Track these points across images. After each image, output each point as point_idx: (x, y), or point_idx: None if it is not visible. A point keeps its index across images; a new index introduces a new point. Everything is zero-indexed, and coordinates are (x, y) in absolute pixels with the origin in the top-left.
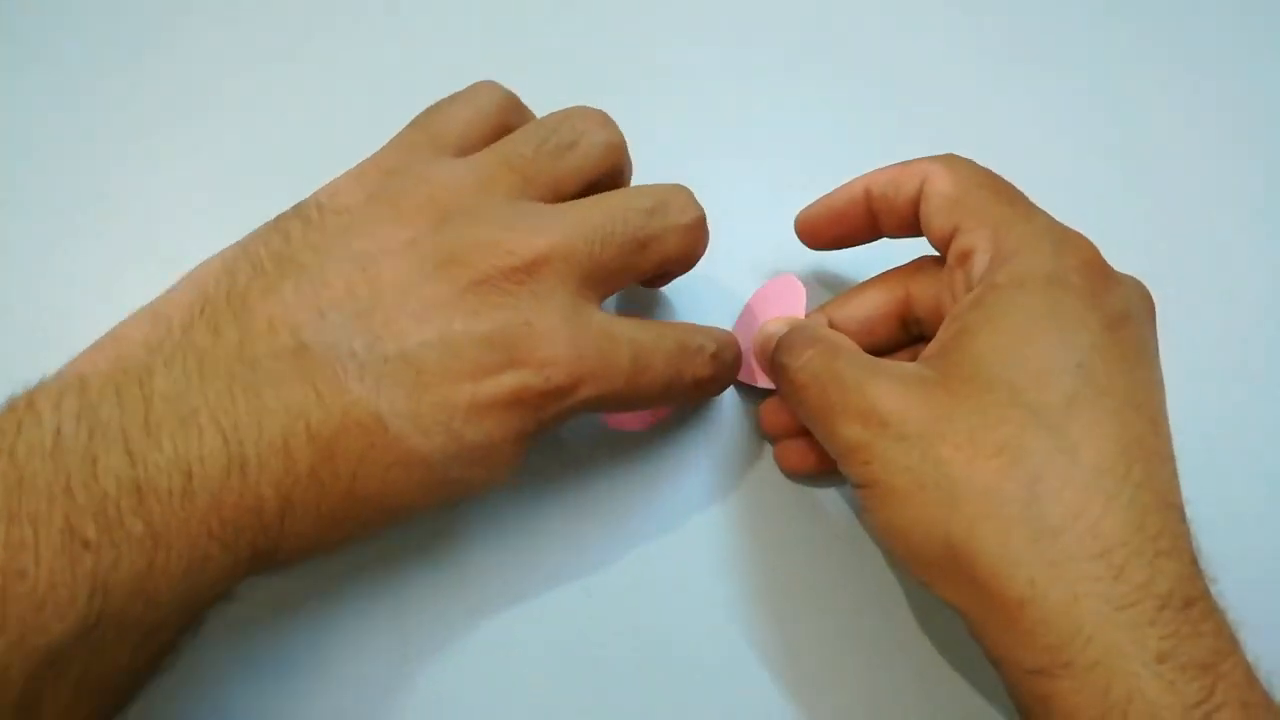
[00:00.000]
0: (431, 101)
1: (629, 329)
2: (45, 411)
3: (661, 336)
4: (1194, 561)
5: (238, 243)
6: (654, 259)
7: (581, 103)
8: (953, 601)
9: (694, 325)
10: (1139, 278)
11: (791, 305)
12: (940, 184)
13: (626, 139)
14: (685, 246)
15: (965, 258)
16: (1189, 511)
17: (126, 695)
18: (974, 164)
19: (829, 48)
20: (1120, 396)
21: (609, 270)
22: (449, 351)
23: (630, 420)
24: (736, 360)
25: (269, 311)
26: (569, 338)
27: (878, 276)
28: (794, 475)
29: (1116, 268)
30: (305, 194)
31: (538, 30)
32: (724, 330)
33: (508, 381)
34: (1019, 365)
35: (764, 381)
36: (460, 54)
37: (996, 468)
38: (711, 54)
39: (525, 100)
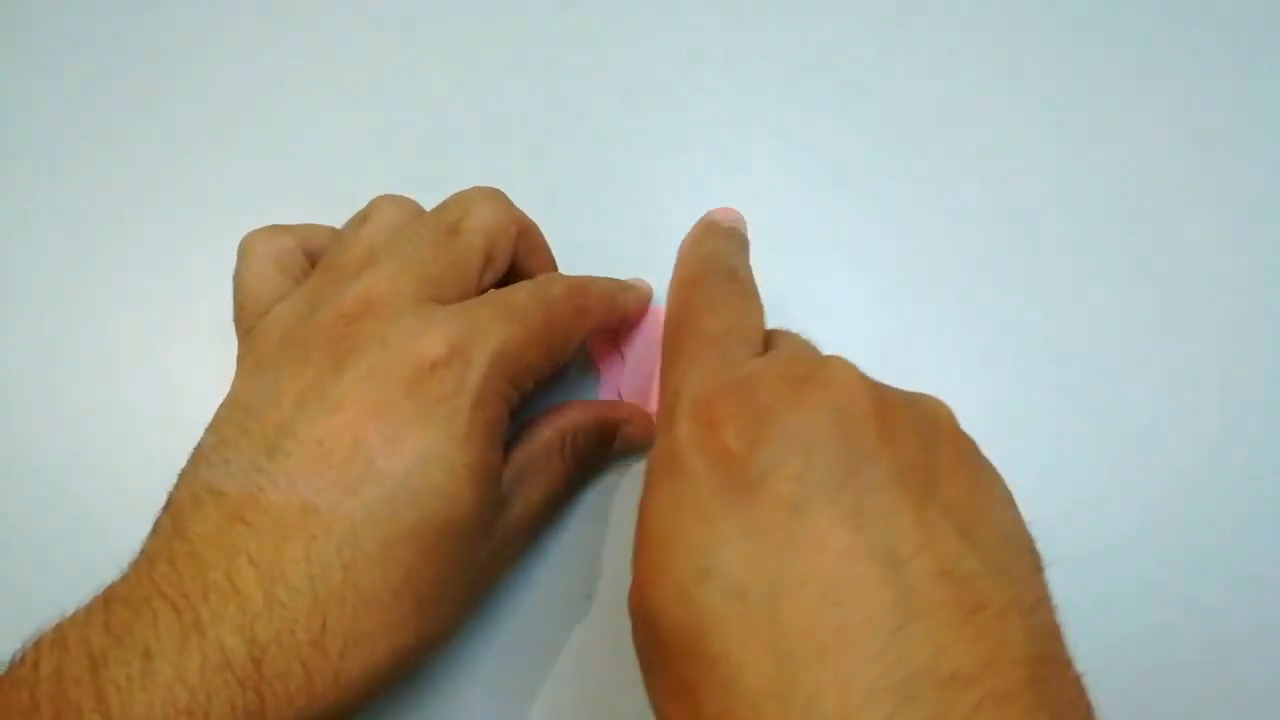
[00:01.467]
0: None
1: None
2: (28, 651)
3: (517, 285)
4: None
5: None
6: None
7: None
8: None
9: None
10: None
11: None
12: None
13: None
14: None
15: None
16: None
17: None
18: (682, 292)
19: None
20: (767, 585)
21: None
22: (332, 407)
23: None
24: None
25: (190, 490)
26: (419, 321)
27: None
28: None
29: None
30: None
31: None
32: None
33: (396, 391)
34: (661, 585)
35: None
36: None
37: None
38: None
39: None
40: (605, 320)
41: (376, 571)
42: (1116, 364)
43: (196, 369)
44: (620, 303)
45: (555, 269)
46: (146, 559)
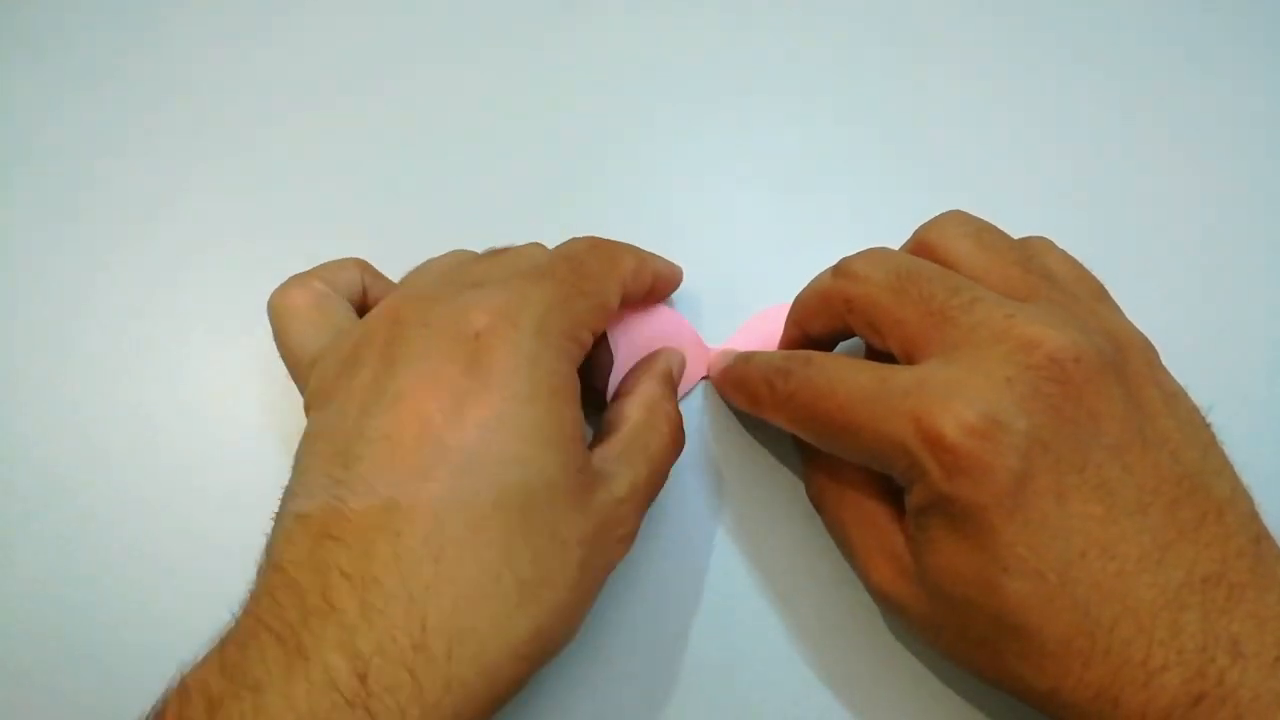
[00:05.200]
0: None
1: None
2: (157, 705)
3: (535, 246)
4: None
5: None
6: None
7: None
8: None
9: None
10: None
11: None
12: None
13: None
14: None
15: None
16: None
17: None
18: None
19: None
20: (1057, 563)
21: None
22: (392, 399)
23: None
24: None
25: (281, 526)
26: (456, 300)
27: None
28: None
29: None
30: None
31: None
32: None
33: (448, 367)
34: (964, 582)
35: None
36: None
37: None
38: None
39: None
40: (637, 270)
41: (468, 556)
42: None
43: (212, 373)
44: (647, 257)
45: None
46: (252, 599)
